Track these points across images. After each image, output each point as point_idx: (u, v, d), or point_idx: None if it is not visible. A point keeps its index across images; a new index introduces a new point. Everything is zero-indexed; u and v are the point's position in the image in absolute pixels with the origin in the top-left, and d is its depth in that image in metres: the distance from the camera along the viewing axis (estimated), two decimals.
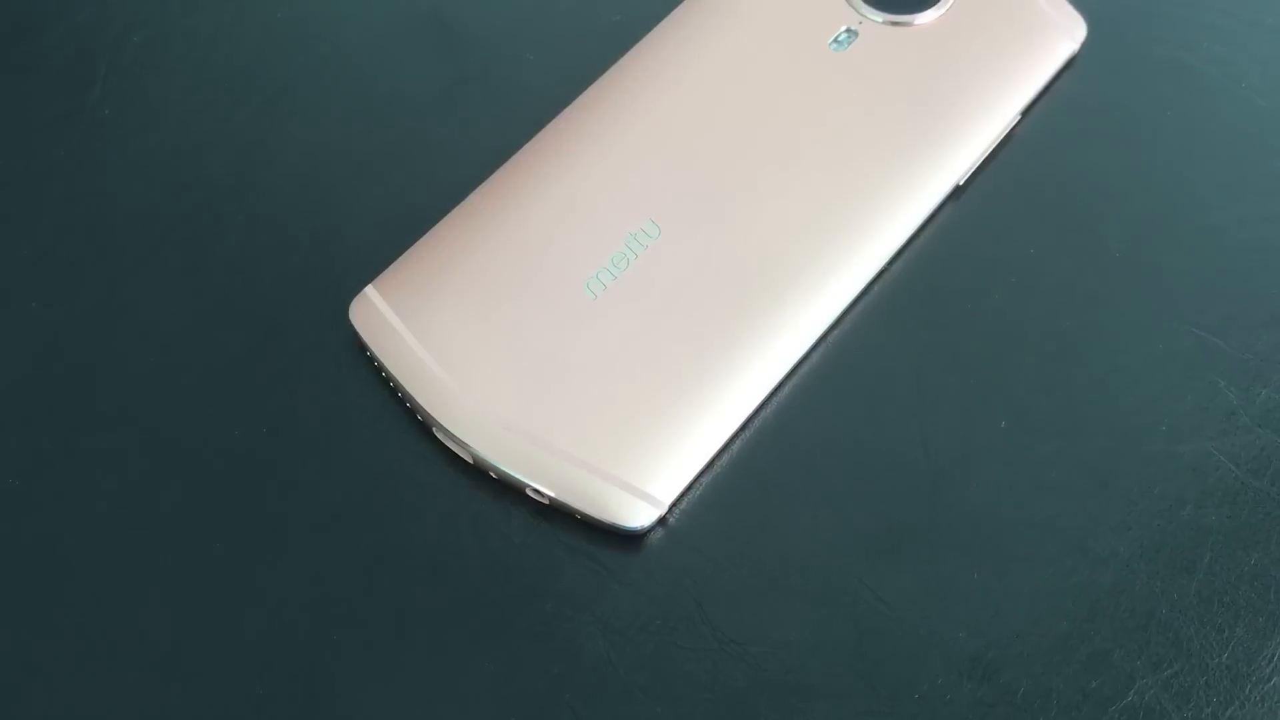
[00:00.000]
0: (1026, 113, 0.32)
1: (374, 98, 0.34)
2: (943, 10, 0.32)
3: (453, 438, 0.28)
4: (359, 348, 0.29)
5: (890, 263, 0.30)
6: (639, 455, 0.27)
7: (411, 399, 0.28)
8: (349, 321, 0.29)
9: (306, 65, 0.34)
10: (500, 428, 0.27)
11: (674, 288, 0.29)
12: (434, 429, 0.28)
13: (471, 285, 0.29)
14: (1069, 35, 0.33)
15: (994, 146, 0.31)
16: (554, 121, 0.32)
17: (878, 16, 0.32)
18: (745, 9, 0.33)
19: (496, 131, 0.32)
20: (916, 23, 0.32)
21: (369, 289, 0.29)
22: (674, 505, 0.27)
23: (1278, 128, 0.32)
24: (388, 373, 0.28)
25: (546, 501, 0.27)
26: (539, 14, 0.35)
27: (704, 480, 0.28)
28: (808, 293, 0.29)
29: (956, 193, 0.31)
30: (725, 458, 0.28)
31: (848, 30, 0.32)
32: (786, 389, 0.29)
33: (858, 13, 0.32)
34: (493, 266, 0.29)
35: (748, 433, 0.28)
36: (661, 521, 0.27)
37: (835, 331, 0.29)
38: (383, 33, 0.35)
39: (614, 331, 0.28)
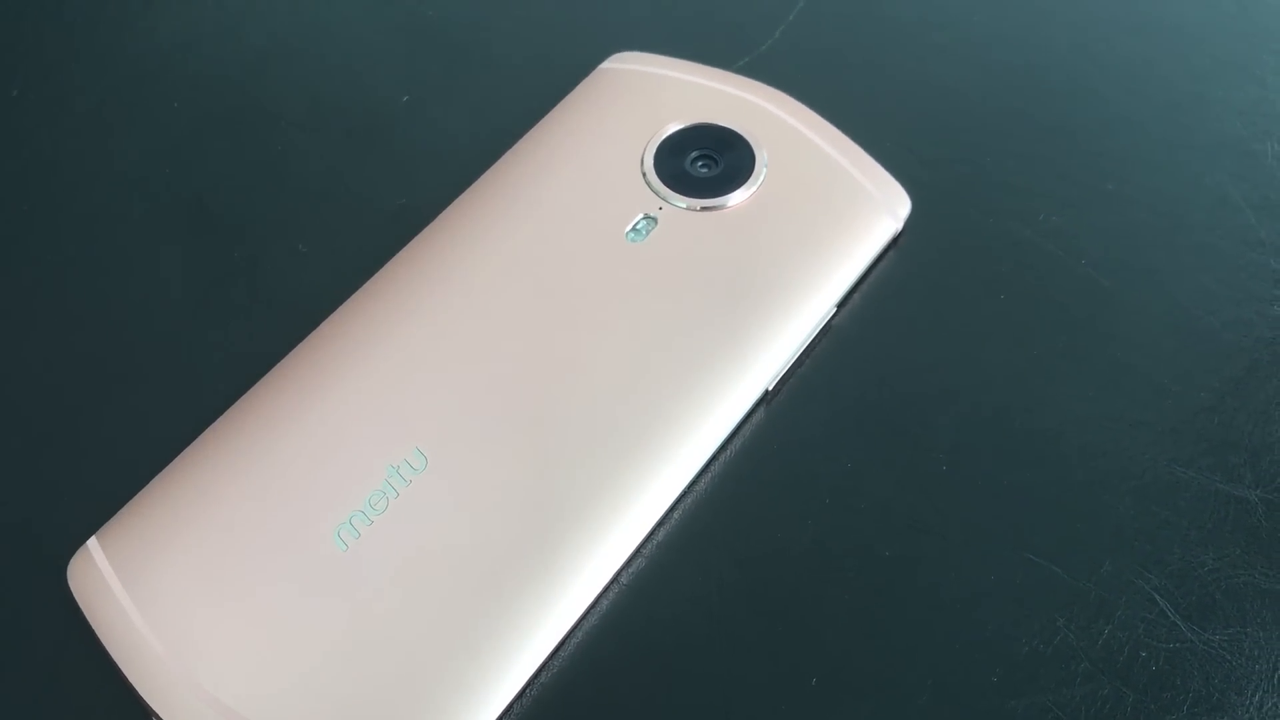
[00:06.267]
0: (844, 303, 0.29)
1: (123, 303, 0.30)
2: (750, 191, 0.29)
3: None
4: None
5: (691, 484, 0.27)
6: None
7: (127, 680, 0.24)
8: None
9: (54, 264, 0.30)
10: None
11: (440, 532, 0.25)
12: (151, 718, 0.24)
13: (202, 539, 0.25)
14: (891, 212, 0.30)
15: (808, 343, 0.28)
16: (318, 329, 0.28)
17: (680, 201, 0.29)
18: (537, 194, 0.30)
19: (258, 340, 0.29)
20: (722, 206, 0.29)
21: (91, 541, 0.25)
22: None
23: (1121, 311, 0.29)
24: (103, 645, 0.24)
25: None
26: (316, 198, 0.32)
27: None
28: (595, 532, 0.25)
29: (766, 398, 0.28)
30: None
31: (646, 217, 0.29)
32: (569, 647, 0.25)
33: (658, 196, 0.29)
34: (229, 515, 0.25)
35: (523, 703, 0.25)
36: None
37: (626, 570, 0.26)
38: (135, 225, 0.31)
39: (365, 592, 0.24)
